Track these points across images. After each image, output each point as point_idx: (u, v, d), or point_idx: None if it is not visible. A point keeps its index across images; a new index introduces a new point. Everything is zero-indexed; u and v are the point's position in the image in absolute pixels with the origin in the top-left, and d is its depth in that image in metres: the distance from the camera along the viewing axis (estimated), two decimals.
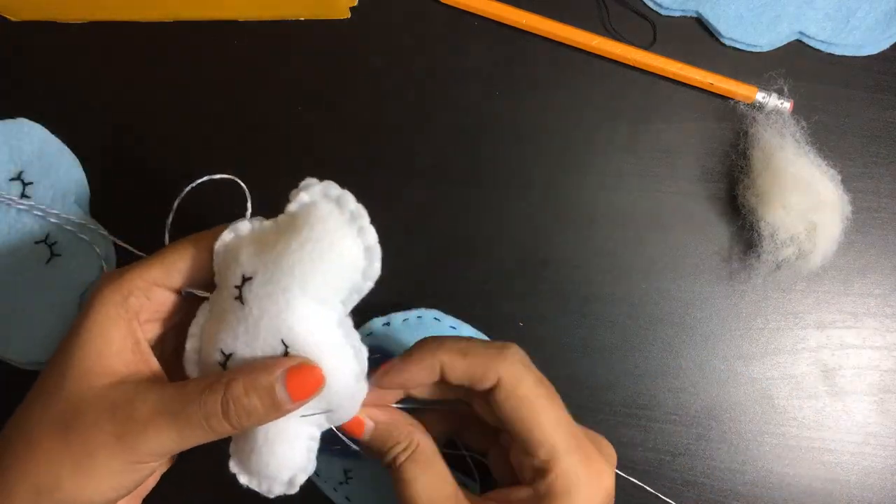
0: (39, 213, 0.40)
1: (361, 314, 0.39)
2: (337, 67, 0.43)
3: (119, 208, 0.42)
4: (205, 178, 0.33)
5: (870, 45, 0.43)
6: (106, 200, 0.42)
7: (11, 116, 0.42)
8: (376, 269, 0.30)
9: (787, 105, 0.41)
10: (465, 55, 0.43)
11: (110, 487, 0.29)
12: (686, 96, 0.43)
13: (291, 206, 0.30)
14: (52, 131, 0.42)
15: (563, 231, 0.42)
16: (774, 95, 0.41)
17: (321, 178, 0.43)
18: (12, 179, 0.41)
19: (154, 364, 0.31)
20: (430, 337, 0.32)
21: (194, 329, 0.32)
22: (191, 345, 0.32)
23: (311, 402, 0.30)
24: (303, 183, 0.30)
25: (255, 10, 0.43)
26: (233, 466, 0.32)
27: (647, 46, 0.43)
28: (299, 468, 0.32)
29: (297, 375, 0.29)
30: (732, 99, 0.42)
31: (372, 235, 0.29)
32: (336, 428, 0.32)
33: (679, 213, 0.42)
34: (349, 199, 0.30)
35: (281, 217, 0.30)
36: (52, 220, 0.40)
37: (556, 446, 0.30)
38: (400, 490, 0.31)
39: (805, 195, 0.39)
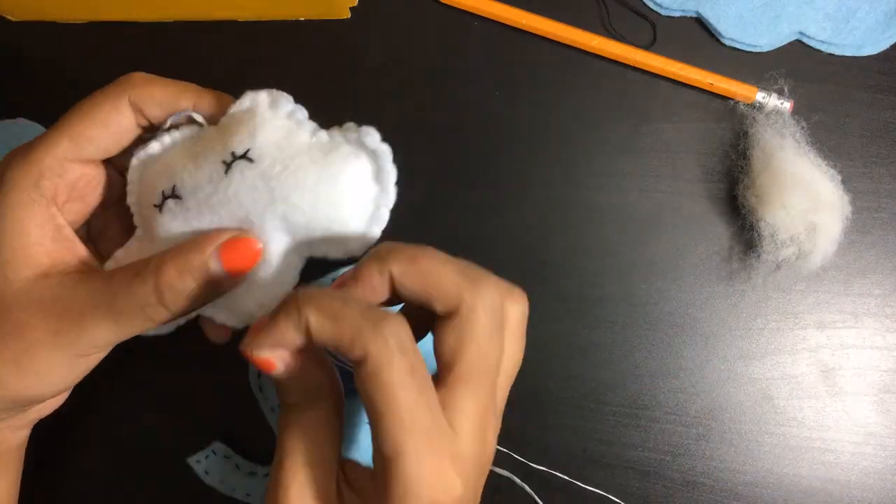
0: None
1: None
2: (337, 67, 0.43)
3: None
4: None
5: (870, 45, 0.43)
6: None
7: (11, 117, 0.42)
8: (375, 235, 0.29)
9: (787, 105, 0.41)
10: (465, 55, 0.43)
11: (58, 380, 0.28)
12: (686, 96, 0.43)
13: (336, 136, 0.29)
14: None
15: (563, 231, 0.42)
16: (774, 95, 0.41)
17: None
18: None
19: (80, 250, 0.29)
20: (303, 289, 0.27)
21: (155, 147, 0.30)
22: (143, 154, 0.30)
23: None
24: (365, 128, 0.28)
25: (256, 10, 0.43)
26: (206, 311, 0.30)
27: (647, 46, 0.43)
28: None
29: (231, 250, 0.27)
30: (732, 99, 0.42)
31: (384, 215, 0.29)
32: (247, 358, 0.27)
33: (679, 213, 0.42)
34: (390, 176, 0.28)
35: (322, 134, 0.29)
36: None
37: (402, 446, 0.25)
38: (278, 447, 0.27)
39: (805, 195, 0.39)
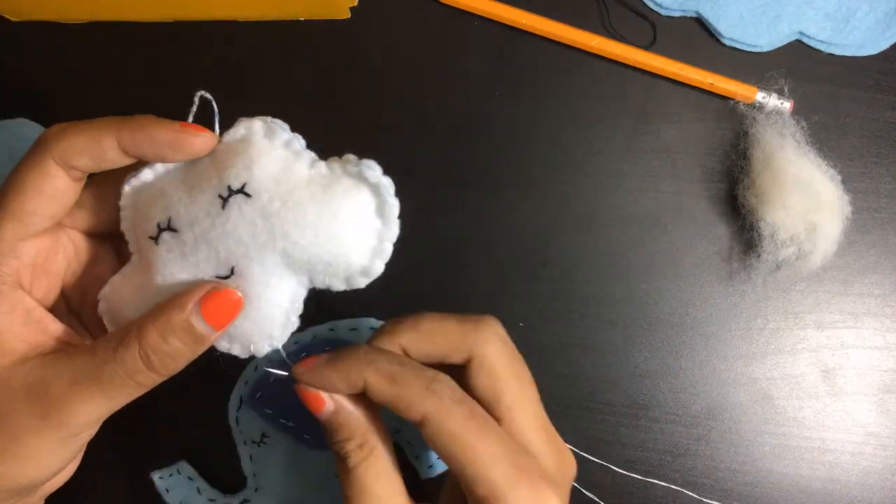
0: None
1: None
2: (337, 67, 0.43)
3: None
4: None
5: (870, 45, 0.43)
6: None
7: (11, 116, 0.42)
8: (378, 269, 0.28)
9: (787, 105, 0.41)
10: (465, 55, 0.43)
11: (52, 462, 0.28)
12: (686, 96, 0.43)
13: (336, 169, 0.27)
14: None
15: (563, 231, 0.42)
16: (774, 95, 0.41)
17: None
18: None
19: (56, 329, 0.29)
20: (364, 347, 0.30)
21: (147, 174, 0.29)
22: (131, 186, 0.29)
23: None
24: (366, 161, 0.28)
25: (255, 10, 0.43)
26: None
27: (647, 46, 0.43)
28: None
29: (211, 304, 0.27)
30: (732, 99, 0.42)
31: (388, 249, 0.28)
32: (299, 392, 0.30)
33: (679, 213, 0.42)
34: (393, 210, 0.28)
35: (321, 166, 0.28)
36: None
37: (494, 482, 0.27)
38: (351, 494, 0.29)
39: (805, 195, 0.39)
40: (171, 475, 0.40)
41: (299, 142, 0.28)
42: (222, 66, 0.43)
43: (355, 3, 0.43)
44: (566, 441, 0.41)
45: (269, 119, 0.28)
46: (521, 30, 0.43)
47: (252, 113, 0.44)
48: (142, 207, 0.29)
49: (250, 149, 0.27)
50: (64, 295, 0.31)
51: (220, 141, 0.28)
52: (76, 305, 0.32)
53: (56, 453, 0.27)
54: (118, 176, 0.29)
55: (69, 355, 0.27)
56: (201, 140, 0.28)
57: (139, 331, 0.26)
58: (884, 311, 0.42)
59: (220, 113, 0.44)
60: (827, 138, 0.42)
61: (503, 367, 0.30)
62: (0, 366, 0.27)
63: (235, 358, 0.30)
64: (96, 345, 0.27)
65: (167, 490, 0.40)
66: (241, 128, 0.28)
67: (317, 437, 0.39)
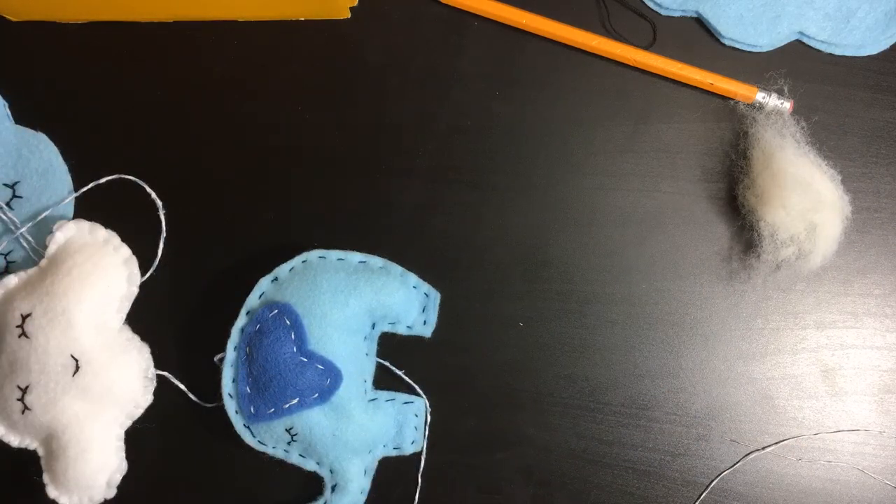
0: (11, 227, 0.40)
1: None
2: (337, 67, 0.43)
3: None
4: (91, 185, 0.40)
5: (870, 45, 0.43)
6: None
7: (11, 116, 0.42)
8: (136, 274, 0.37)
9: (787, 105, 0.41)
10: (465, 55, 0.43)
11: None
12: (686, 96, 0.43)
13: (50, 249, 0.37)
14: (50, 131, 0.42)
15: (563, 231, 0.42)
16: (774, 95, 0.42)
17: (323, 176, 0.43)
18: (5, 185, 0.41)
19: None
20: None
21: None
22: None
23: (112, 409, 0.36)
24: (55, 225, 0.37)
25: (255, 10, 0.43)
26: (51, 491, 0.37)
27: (647, 46, 0.43)
28: (114, 469, 0.37)
29: None
30: (732, 99, 0.42)
31: (125, 250, 0.37)
32: None
33: (679, 213, 0.42)
34: (98, 227, 0.37)
35: (43, 261, 0.37)
36: (22, 241, 0.40)
37: None
38: None
39: (805, 195, 0.39)
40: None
41: (19, 274, 0.39)
42: (222, 66, 0.43)
43: (355, 3, 0.43)
44: (565, 441, 0.41)
45: None
46: (521, 30, 0.43)
47: (255, 111, 0.44)
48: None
49: None
50: None
51: None
52: None
53: None
54: None
55: None
56: None
57: None
58: (884, 311, 0.42)
59: (222, 114, 0.44)
60: (827, 138, 0.42)
61: None
62: None
63: None
64: None
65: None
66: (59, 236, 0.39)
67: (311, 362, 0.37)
